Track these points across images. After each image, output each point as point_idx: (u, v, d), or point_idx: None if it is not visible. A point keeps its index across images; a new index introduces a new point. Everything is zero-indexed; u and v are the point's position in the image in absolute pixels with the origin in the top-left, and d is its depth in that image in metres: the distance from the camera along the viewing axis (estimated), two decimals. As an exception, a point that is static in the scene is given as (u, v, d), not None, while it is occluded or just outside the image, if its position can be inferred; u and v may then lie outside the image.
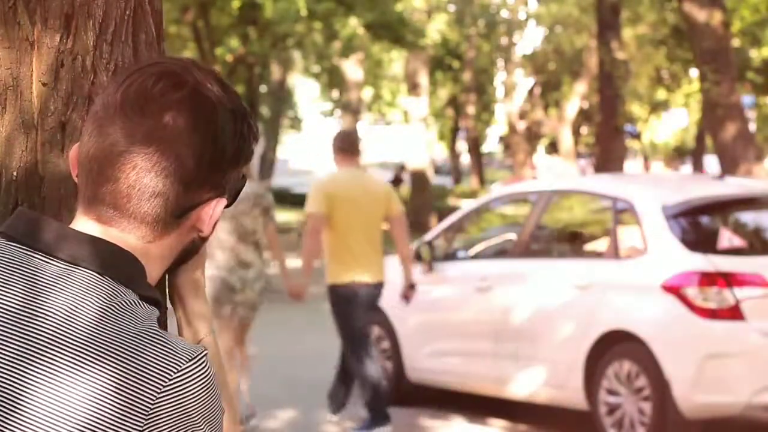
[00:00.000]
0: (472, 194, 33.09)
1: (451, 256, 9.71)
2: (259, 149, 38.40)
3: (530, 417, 9.03)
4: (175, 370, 1.48)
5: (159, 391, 1.46)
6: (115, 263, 1.54)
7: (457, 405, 9.48)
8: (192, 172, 1.55)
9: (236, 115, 1.59)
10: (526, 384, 8.68)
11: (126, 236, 1.56)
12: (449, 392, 9.46)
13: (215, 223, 1.62)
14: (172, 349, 1.49)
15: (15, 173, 1.76)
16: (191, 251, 1.66)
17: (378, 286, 8.42)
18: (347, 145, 8.53)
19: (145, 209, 1.55)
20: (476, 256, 9.64)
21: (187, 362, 1.49)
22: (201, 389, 1.49)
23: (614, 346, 8.10)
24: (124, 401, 1.45)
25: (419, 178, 27.58)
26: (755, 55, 27.70)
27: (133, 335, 1.49)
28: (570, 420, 8.76)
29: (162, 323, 1.64)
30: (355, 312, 8.35)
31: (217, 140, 1.56)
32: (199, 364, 1.50)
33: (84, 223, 1.57)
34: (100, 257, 1.54)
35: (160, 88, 1.55)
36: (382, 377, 8.48)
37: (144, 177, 1.54)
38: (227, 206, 1.64)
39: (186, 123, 1.54)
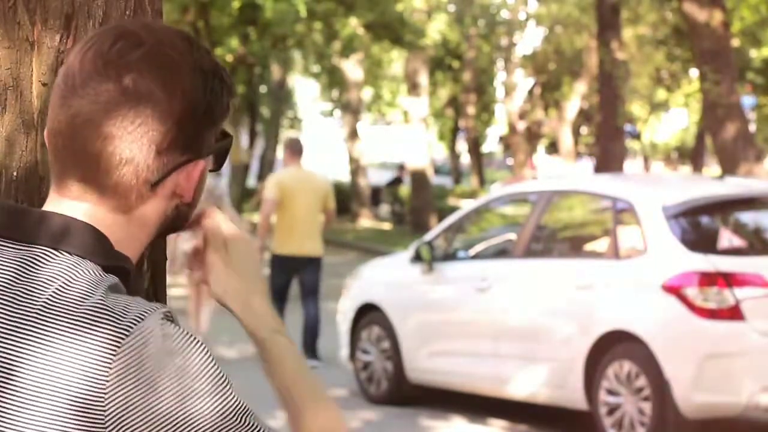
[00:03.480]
0: (472, 194, 33.05)
1: (451, 256, 9.71)
2: (258, 149, 38.39)
3: (530, 417, 9.03)
4: (121, 340, 1.38)
5: (109, 368, 1.37)
6: (66, 236, 1.47)
7: (457, 405, 9.48)
8: (161, 134, 1.47)
9: (205, 71, 1.51)
10: (526, 384, 8.68)
11: (98, 209, 1.49)
12: (449, 392, 9.46)
13: (198, 187, 1.54)
14: (117, 318, 1.39)
15: (15, 173, 1.75)
16: (177, 219, 1.57)
17: (312, 259, 10.93)
18: (295, 149, 11.00)
19: (115, 179, 1.48)
20: (476, 256, 9.64)
21: (133, 329, 1.39)
22: (155, 356, 1.38)
23: (614, 346, 8.10)
24: (82, 380, 1.37)
25: (419, 178, 27.51)
26: (755, 55, 27.70)
27: (84, 309, 1.41)
28: (570, 420, 8.76)
29: (135, 291, 1.52)
30: (282, 274, 10.95)
31: (185, 98, 1.48)
32: (147, 329, 1.39)
33: (56, 202, 1.51)
34: (50, 232, 1.47)
35: (117, 50, 1.48)
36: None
37: (109, 145, 1.46)
38: (214, 170, 1.57)
39: (148, 83, 1.46)
